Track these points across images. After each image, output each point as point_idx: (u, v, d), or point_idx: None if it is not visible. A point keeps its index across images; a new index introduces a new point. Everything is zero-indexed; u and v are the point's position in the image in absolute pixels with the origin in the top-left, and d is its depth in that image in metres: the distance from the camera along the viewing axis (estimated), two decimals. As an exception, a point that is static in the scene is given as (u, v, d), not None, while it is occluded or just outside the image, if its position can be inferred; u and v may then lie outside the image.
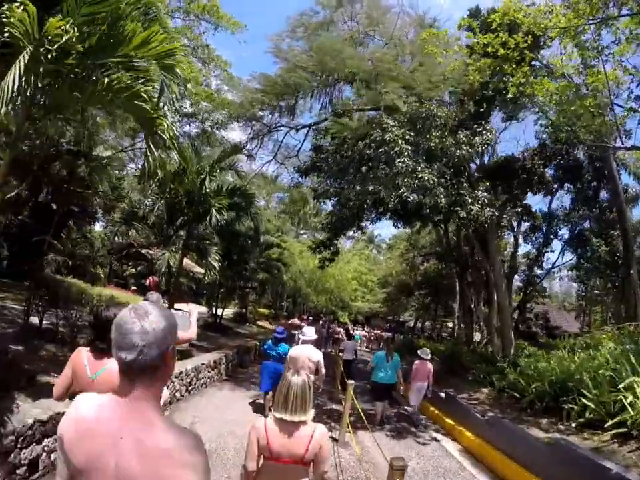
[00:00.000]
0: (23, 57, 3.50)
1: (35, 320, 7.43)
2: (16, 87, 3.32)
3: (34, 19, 3.85)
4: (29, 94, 3.76)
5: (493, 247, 13.15)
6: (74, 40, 3.83)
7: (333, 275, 30.26)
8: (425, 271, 29.83)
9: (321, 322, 24.31)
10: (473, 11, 14.18)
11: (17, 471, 3.21)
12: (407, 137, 9.23)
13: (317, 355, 5.66)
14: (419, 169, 8.75)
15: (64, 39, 3.66)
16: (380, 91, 11.99)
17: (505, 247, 22.42)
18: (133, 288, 22.53)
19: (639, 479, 4.32)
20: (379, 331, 35.23)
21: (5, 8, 3.98)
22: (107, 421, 1.08)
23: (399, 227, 16.79)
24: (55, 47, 3.65)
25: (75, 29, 3.83)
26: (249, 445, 2.27)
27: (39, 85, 5.11)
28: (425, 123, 9.67)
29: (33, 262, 13.50)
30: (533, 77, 9.66)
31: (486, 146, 10.68)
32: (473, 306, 20.22)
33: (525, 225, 19.37)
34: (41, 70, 3.80)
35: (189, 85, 13.40)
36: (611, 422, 5.72)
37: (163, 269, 10.04)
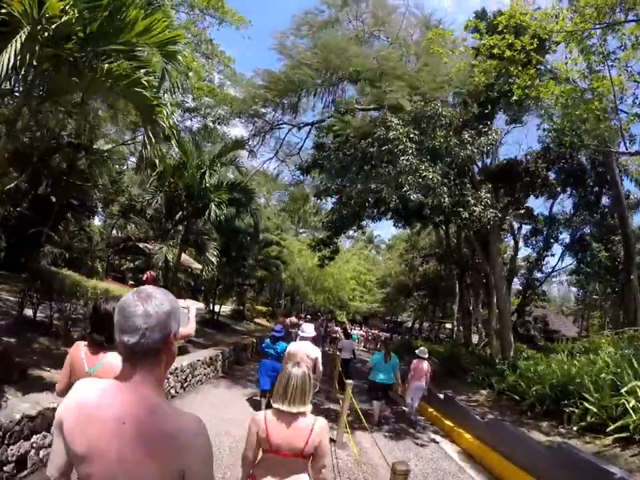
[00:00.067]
0: (20, 36, 3.41)
1: (29, 312, 7.32)
2: (11, 64, 3.22)
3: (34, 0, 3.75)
4: (23, 72, 3.65)
5: (494, 249, 13.07)
6: (74, 22, 3.72)
7: (332, 274, 30.17)
8: (424, 272, 29.78)
9: (319, 321, 24.25)
10: (479, 13, 14.10)
11: (4, 468, 3.08)
12: (411, 136, 9.14)
13: (315, 352, 5.56)
14: (423, 167, 8.65)
15: (63, 20, 3.55)
16: (384, 90, 11.90)
17: (505, 250, 22.35)
18: (131, 282, 22.40)
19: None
20: (376, 331, 35.15)
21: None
22: (109, 406, 1.06)
23: (399, 227, 16.72)
24: (53, 26, 3.55)
25: (75, 10, 3.72)
26: (249, 437, 2.24)
27: (38, 68, 5.02)
28: (430, 122, 9.58)
29: (29, 254, 13.40)
30: (538, 80, 9.59)
31: (491, 146, 10.57)
32: (471, 308, 20.17)
33: (526, 228, 19.34)
34: (37, 48, 3.69)
35: (192, 80, 13.32)
36: (612, 426, 5.63)
37: (160, 263, 9.92)
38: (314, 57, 13.64)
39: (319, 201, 17.50)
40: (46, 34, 3.71)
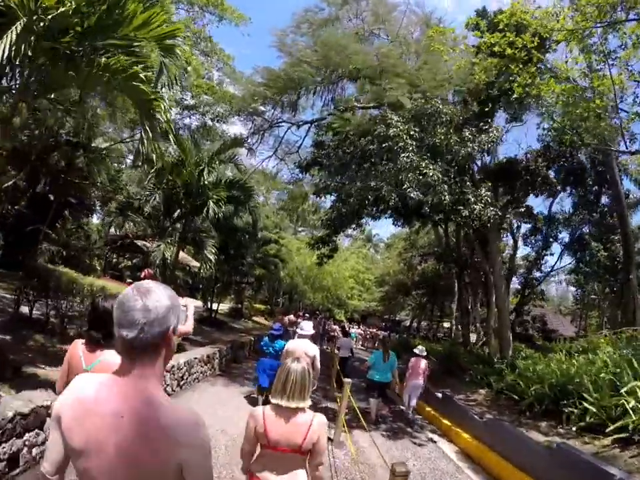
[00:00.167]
0: (16, 27, 3.35)
1: (25, 310, 7.26)
2: (6, 55, 3.17)
3: (30, -9, 3.69)
4: (19, 63, 3.59)
5: (493, 248, 13.04)
6: (71, 14, 3.67)
7: (330, 273, 30.12)
8: (422, 270, 29.77)
9: (317, 319, 24.21)
10: (479, 11, 14.10)
11: (-4, 466, 3.04)
12: (412, 133, 9.08)
13: (314, 350, 5.51)
14: (424, 165, 8.59)
15: (59, 11, 3.50)
16: (384, 87, 11.83)
17: (504, 249, 22.33)
18: (129, 280, 22.34)
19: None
20: (374, 330, 35.19)
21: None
22: (107, 401, 1.06)
23: (399, 226, 16.68)
24: (50, 17, 3.49)
25: (72, 2, 3.66)
26: (247, 431, 2.24)
27: (34, 63, 4.95)
28: (430, 119, 9.53)
29: (27, 251, 13.34)
30: (539, 79, 9.55)
31: (492, 144, 10.51)
32: (469, 307, 20.15)
33: (525, 227, 19.30)
34: (32, 39, 3.64)
35: (191, 78, 13.24)
36: (612, 426, 5.60)
37: (157, 261, 9.85)
38: (314, 54, 13.57)
39: (317, 199, 17.43)
40: (42, 24, 3.64)
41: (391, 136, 9.03)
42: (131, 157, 20.12)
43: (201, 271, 12.66)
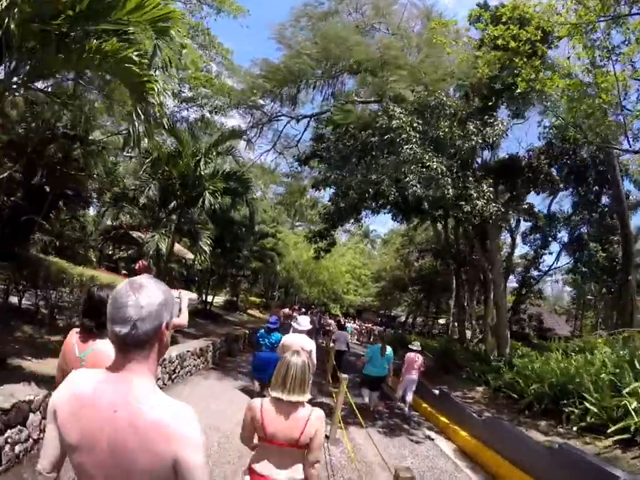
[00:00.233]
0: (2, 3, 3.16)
1: (14, 300, 7.08)
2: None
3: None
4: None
5: (493, 245, 12.92)
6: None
7: (327, 267, 30.05)
8: (419, 267, 29.70)
9: (313, 313, 24.11)
10: (481, 4, 13.89)
11: (-24, 464, 2.87)
12: (415, 125, 8.89)
13: (310, 345, 5.38)
14: (427, 157, 8.40)
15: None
16: (386, 79, 11.63)
17: (502, 247, 22.24)
18: (124, 272, 22.14)
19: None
20: (370, 325, 35.18)
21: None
22: (101, 396, 1.06)
23: (398, 221, 16.53)
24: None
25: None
26: (244, 422, 2.26)
27: (24, 46, 4.76)
28: (434, 112, 9.34)
29: (21, 242, 13.14)
30: (542, 74, 9.39)
31: (497, 137, 10.31)
32: (466, 304, 20.07)
33: (525, 226, 19.18)
34: (16, 11, 3.43)
35: (187, 60, 12.99)
36: (613, 427, 5.51)
37: (151, 252, 9.65)
38: (314, 46, 13.35)
39: (316, 192, 17.27)
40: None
41: (394, 128, 8.83)
42: (128, 150, 19.86)
43: (196, 262, 12.46)
